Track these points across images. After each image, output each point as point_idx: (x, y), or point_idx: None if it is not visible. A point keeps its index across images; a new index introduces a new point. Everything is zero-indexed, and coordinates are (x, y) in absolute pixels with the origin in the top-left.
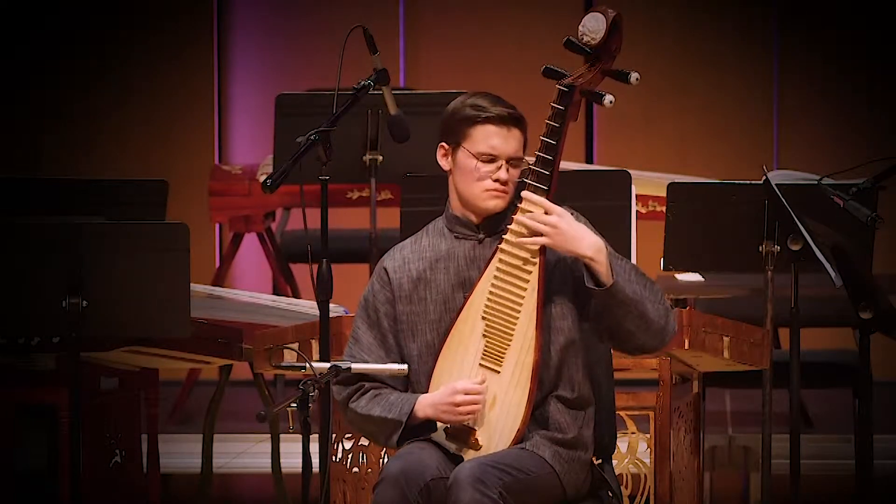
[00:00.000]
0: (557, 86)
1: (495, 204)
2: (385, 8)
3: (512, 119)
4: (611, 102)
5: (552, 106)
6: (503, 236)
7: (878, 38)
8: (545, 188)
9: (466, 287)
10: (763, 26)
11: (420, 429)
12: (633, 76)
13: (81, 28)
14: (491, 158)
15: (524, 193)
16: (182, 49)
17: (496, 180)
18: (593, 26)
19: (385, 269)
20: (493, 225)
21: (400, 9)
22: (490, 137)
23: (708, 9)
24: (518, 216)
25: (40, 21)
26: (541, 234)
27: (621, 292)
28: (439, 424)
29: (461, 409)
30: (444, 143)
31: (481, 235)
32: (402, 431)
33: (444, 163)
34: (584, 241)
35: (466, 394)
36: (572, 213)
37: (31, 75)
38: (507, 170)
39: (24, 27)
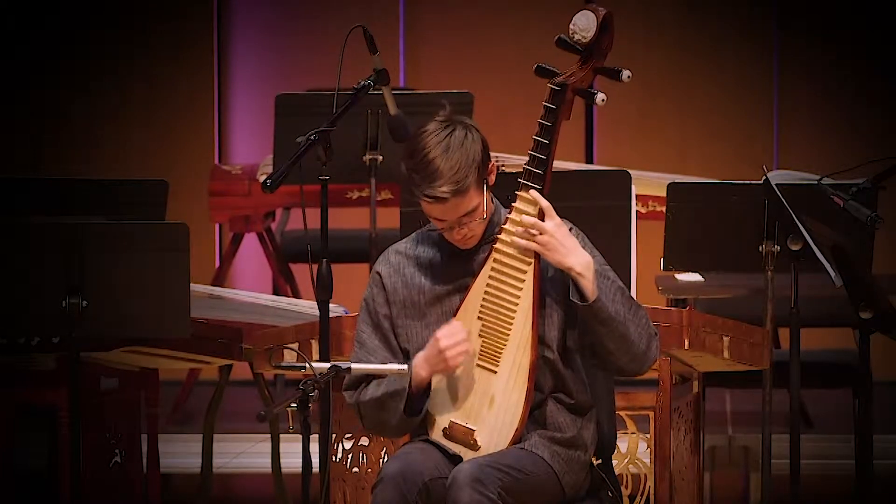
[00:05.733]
0: (549, 84)
1: (464, 244)
2: (385, 8)
3: (443, 198)
4: (602, 101)
5: (544, 105)
6: (498, 236)
7: (878, 38)
8: (538, 187)
9: (462, 292)
10: (763, 26)
11: (424, 401)
12: (625, 74)
13: (81, 28)
14: (439, 221)
15: (529, 193)
16: (182, 49)
17: (452, 237)
18: (584, 24)
19: (379, 274)
20: (485, 232)
21: (400, 9)
22: (431, 210)
23: (708, 9)
24: (513, 216)
25: (40, 21)
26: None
27: (603, 310)
28: (438, 425)
29: (448, 353)
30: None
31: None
32: (408, 401)
33: None
34: (573, 255)
35: (447, 338)
36: (569, 227)
37: (31, 75)
38: (460, 224)
39: (24, 27)
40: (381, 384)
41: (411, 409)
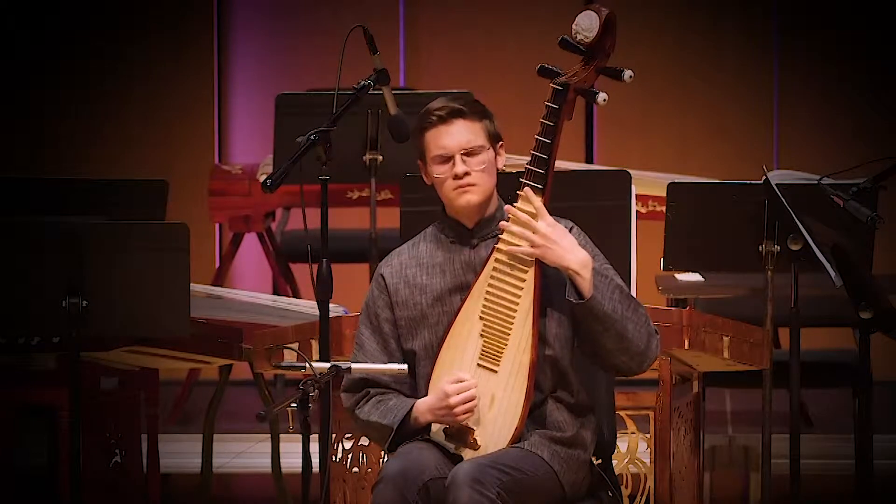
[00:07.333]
0: (551, 84)
1: (467, 199)
2: (385, 8)
3: (451, 113)
4: (604, 100)
5: (546, 105)
6: (499, 236)
7: (878, 38)
8: (541, 187)
9: (463, 291)
10: (763, 26)
11: (423, 432)
12: (627, 74)
13: (81, 28)
14: (444, 159)
15: (524, 191)
16: (182, 49)
17: (456, 176)
18: (587, 24)
19: (382, 276)
20: (486, 228)
21: (400, 9)
22: (437, 139)
23: (708, 9)
24: (512, 214)
25: (40, 21)
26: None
27: (599, 308)
28: (437, 425)
29: (457, 410)
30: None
31: (475, 241)
32: (397, 436)
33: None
34: (569, 254)
35: (458, 394)
36: (570, 227)
37: (31, 75)
38: (464, 161)
39: (24, 27)
40: (377, 409)
41: (401, 441)
